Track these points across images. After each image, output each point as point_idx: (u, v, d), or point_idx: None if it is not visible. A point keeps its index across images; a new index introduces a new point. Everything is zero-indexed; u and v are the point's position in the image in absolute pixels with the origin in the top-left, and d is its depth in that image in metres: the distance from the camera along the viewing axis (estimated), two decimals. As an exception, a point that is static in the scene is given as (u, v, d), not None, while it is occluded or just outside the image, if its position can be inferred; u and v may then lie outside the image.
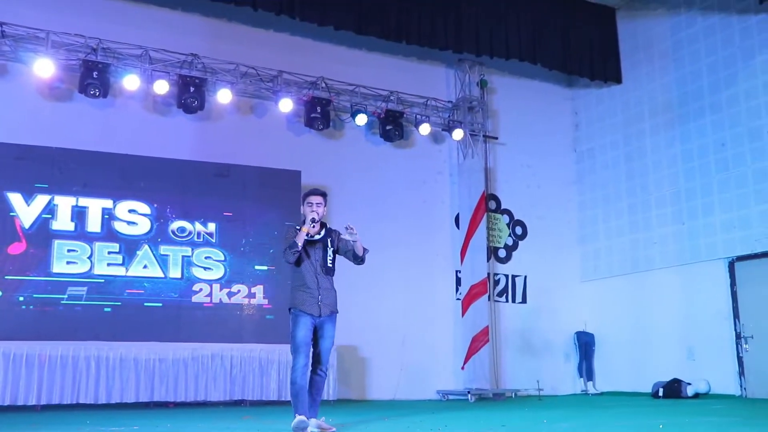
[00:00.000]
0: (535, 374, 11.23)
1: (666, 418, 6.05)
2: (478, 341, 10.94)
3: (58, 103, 9.57)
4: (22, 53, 9.26)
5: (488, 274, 11.51)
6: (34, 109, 9.37)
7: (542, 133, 12.72)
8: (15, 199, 8.63)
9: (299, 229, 5.42)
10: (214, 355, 8.89)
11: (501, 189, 12.34)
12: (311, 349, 5.38)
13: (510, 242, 12.26)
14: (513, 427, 5.51)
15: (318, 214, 5.40)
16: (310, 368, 5.38)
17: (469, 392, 10.52)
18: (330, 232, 5.59)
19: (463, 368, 11.00)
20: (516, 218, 12.37)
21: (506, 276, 12.09)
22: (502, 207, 12.29)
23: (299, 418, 5.18)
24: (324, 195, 5.53)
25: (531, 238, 12.39)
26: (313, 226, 5.40)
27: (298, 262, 5.41)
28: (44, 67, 9.07)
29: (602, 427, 5.62)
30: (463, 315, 11.18)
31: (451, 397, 10.88)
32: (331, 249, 5.52)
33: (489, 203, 11.95)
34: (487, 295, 11.26)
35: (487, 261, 11.60)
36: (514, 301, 12.07)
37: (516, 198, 12.41)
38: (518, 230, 12.36)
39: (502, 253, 12.14)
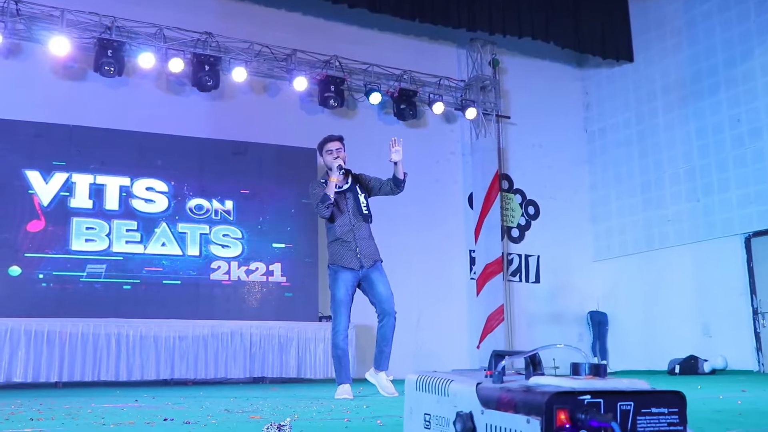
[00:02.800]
0: (549, 353, 11.16)
1: (689, 391, 6.04)
2: (494, 320, 10.95)
3: (72, 82, 9.53)
4: (37, 32, 9.21)
5: (502, 253, 11.51)
6: (49, 88, 9.33)
7: (553, 114, 12.71)
8: (33, 176, 8.59)
9: (324, 182, 5.16)
10: (233, 332, 8.86)
11: (513, 169, 12.34)
12: (350, 309, 5.10)
13: (523, 222, 12.26)
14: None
15: (343, 160, 5.15)
16: (379, 320, 5.10)
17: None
18: (356, 177, 5.30)
19: (478, 347, 11.01)
20: (528, 198, 12.37)
21: (519, 256, 12.09)
22: (515, 187, 12.29)
23: (343, 387, 4.93)
24: (341, 139, 5.26)
25: (543, 217, 12.39)
26: (343, 172, 5.13)
27: (331, 217, 5.13)
28: (60, 45, 9.01)
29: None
30: (477, 294, 11.18)
31: (466, 376, 10.87)
32: (363, 195, 5.22)
33: (502, 183, 11.94)
34: (501, 274, 11.26)
35: (501, 240, 11.59)
36: (527, 280, 12.08)
37: (528, 178, 12.41)
38: (531, 210, 12.36)
39: (515, 233, 12.14)
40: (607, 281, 12.17)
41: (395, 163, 5.12)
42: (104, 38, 9.26)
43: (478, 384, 1.23)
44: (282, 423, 2.18)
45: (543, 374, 1.25)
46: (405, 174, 5.18)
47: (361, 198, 5.21)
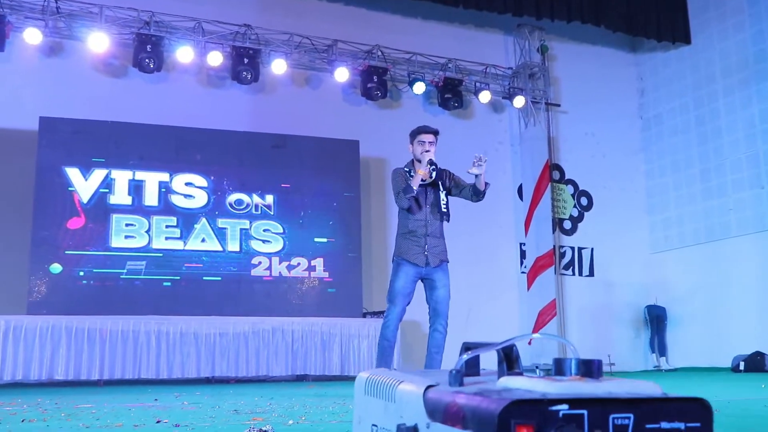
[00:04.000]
0: (605, 349, 10.78)
1: (751, 390, 5.60)
2: (545, 315, 10.55)
3: (113, 78, 9.51)
4: (77, 29, 9.18)
5: (554, 246, 11.08)
6: (90, 85, 9.32)
7: (606, 101, 12.19)
8: (73, 173, 8.54)
9: (408, 171, 5.05)
10: (274, 329, 8.66)
11: (564, 159, 11.88)
12: (407, 304, 4.98)
13: (575, 213, 11.80)
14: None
15: (432, 154, 5.01)
16: (429, 324, 5.00)
17: (537, 368, 10.05)
18: (441, 172, 5.13)
19: (530, 343, 10.60)
20: (581, 189, 11.90)
21: (572, 248, 11.64)
22: (566, 177, 11.84)
23: None
24: (437, 134, 5.10)
25: (597, 208, 11.90)
26: (434, 169, 4.98)
27: (409, 209, 5.02)
28: (98, 42, 8.98)
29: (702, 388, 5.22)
30: (528, 288, 10.79)
31: (517, 373, 10.49)
32: (444, 192, 5.08)
33: (552, 173, 11.50)
34: (553, 267, 10.84)
35: (553, 233, 11.17)
36: (581, 274, 11.62)
37: (580, 168, 11.93)
38: (583, 201, 11.88)
39: (567, 225, 11.69)
40: (666, 274, 11.62)
41: (476, 175, 5.00)
42: (143, 33, 9.18)
43: (428, 388, 0.94)
44: (264, 428, 1.93)
45: (521, 373, 0.96)
46: (487, 184, 5.07)
47: (442, 195, 5.09)
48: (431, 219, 5.03)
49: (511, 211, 11.29)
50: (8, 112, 8.87)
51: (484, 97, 10.86)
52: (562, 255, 11.49)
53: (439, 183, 5.09)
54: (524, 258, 11.06)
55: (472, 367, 1.02)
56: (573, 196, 11.81)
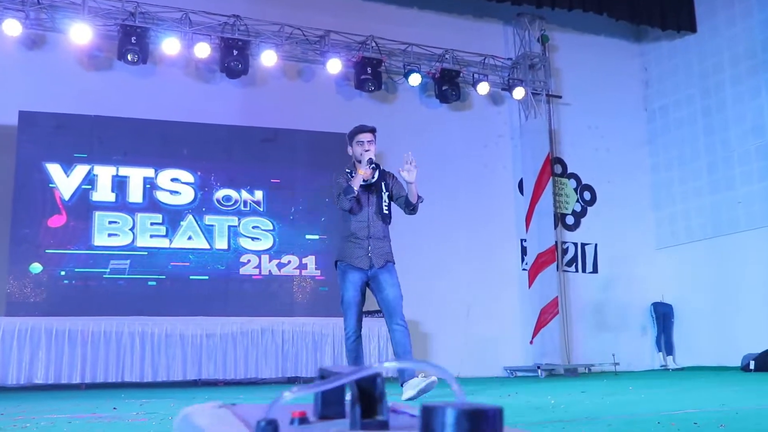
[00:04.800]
0: (609, 348, 10.43)
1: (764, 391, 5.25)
2: (547, 313, 10.20)
3: (97, 72, 9.20)
4: (59, 21, 8.88)
5: (556, 242, 10.73)
6: (73, 79, 9.00)
7: (609, 92, 11.83)
8: (54, 170, 8.23)
9: (349, 172, 4.86)
10: (264, 329, 8.34)
11: (566, 152, 11.53)
12: (361, 310, 4.84)
13: (578, 208, 11.44)
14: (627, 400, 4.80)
15: (372, 153, 4.86)
16: (387, 325, 4.84)
17: (539, 368, 9.78)
18: (384, 174, 4.99)
19: (531, 342, 10.28)
20: (584, 183, 11.54)
21: (575, 244, 11.28)
22: (569, 171, 11.48)
23: None
24: (374, 131, 4.96)
25: (601, 203, 11.54)
26: (374, 168, 4.83)
27: (350, 210, 4.84)
28: (81, 33, 8.67)
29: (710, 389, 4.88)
30: (530, 286, 10.44)
31: (519, 373, 10.16)
32: (386, 194, 4.92)
33: (554, 167, 11.15)
34: (555, 264, 10.50)
35: (554, 228, 10.82)
36: (584, 270, 11.27)
37: (583, 161, 11.57)
38: (587, 195, 11.52)
39: (569, 220, 11.34)
40: (672, 270, 11.26)
41: (408, 184, 4.84)
42: (127, 25, 8.88)
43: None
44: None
45: (385, 423, 0.63)
46: (420, 198, 4.90)
47: (384, 196, 4.96)
48: (374, 220, 4.88)
49: (512, 207, 10.95)
50: (-12, 106, 8.57)
51: (483, 88, 10.52)
52: (565, 251, 11.15)
53: (382, 184, 4.94)
54: (525, 254, 10.72)
55: (330, 405, 0.69)
56: (575, 190, 11.46)
